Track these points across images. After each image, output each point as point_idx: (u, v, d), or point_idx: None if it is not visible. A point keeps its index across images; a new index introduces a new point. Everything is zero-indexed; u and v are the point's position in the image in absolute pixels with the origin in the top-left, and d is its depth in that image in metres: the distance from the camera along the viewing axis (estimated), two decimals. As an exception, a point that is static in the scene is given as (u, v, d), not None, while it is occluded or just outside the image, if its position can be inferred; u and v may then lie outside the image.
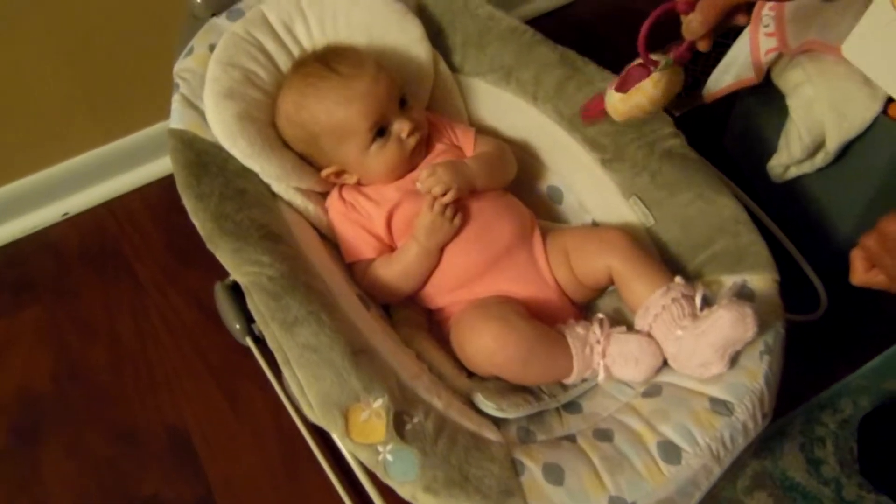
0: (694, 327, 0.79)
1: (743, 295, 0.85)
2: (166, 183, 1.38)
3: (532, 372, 0.85)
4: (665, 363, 0.84)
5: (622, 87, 0.82)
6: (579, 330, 0.86)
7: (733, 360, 0.80)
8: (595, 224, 1.02)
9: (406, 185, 0.97)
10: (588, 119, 0.94)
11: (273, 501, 1.05)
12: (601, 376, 0.85)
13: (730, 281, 0.87)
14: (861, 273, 0.73)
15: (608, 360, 0.84)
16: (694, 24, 0.76)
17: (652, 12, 0.77)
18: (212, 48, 0.98)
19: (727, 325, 0.77)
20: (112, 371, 1.19)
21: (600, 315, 0.87)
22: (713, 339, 0.78)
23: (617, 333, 0.84)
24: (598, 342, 0.84)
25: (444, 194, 0.90)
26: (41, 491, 1.08)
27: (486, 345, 0.84)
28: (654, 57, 0.80)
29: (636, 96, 0.81)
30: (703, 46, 0.79)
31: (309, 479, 1.05)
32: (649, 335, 0.84)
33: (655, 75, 0.79)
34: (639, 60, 0.82)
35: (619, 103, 0.83)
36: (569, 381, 0.86)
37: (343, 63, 0.94)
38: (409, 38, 1.04)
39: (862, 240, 0.72)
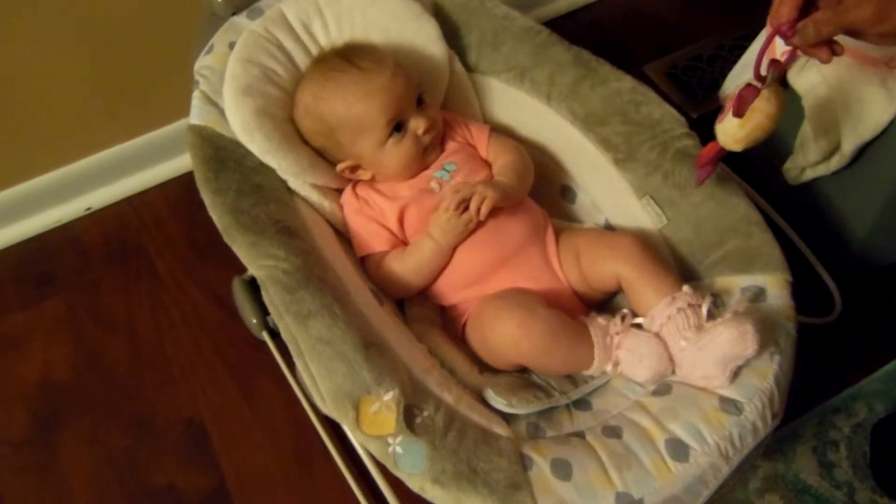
0: (696, 340, 0.80)
1: (756, 302, 0.85)
2: (187, 179, 1.40)
3: (555, 360, 0.86)
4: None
5: (739, 111, 0.80)
6: (600, 320, 0.86)
7: (736, 373, 0.79)
8: (608, 224, 1.03)
9: (419, 183, 0.98)
10: (703, 168, 0.88)
11: (285, 492, 1.06)
12: (609, 368, 0.85)
13: (741, 282, 0.87)
14: None
15: (620, 352, 0.84)
16: (808, 30, 0.75)
17: (766, 40, 0.79)
18: (231, 46, 1.00)
19: (726, 341, 0.77)
20: (130, 363, 1.21)
21: (625, 310, 0.87)
22: (713, 354, 0.78)
23: (635, 329, 0.84)
24: (618, 333, 0.85)
25: (479, 205, 0.90)
26: (59, 478, 1.10)
27: (511, 332, 0.84)
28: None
29: (755, 116, 0.79)
30: (822, 56, 0.77)
31: (321, 471, 1.06)
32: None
33: (765, 92, 0.78)
34: (744, 84, 0.80)
35: (738, 130, 0.80)
36: (590, 371, 0.86)
37: (363, 58, 0.95)
38: (424, 38, 1.05)
39: None
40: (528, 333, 0.84)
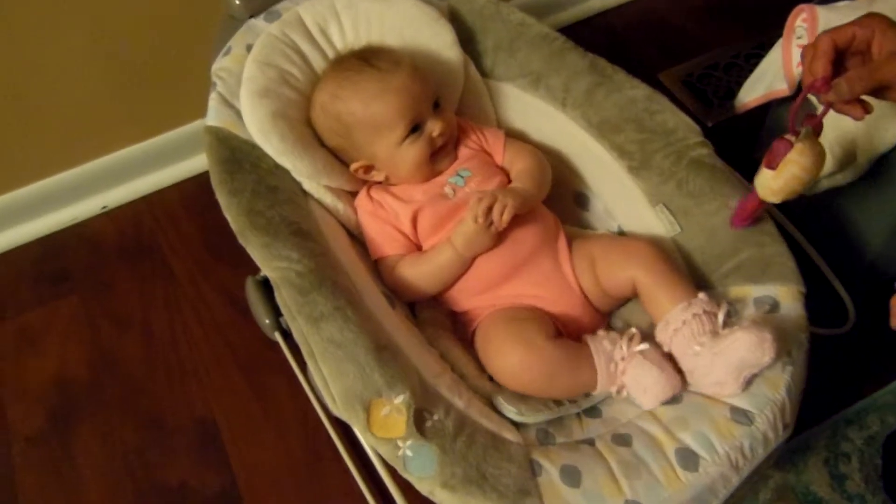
0: (712, 345, 0.80)
1: (769, 313, 0.84)
2: (202, 179, 1.39)
3: (557, 389, 0.86)
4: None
5: (771, 164, 0.82)
6: (606, 344, 0.86)
7: (749, 382, 0.79)
8: (621, 231, 1.03)
9: (433, 188, 0.98)
10: (741, 223, 0.90)
11: (295, 492, 1.07)
12: (614, 391, 0.85)
13: (754, 292, 0.87)
14: None
15: (625, 378, 0.84)
16: (842, 87, 0.76)
17: (799, 96, 0.80)
18: (249, 48, 1.01)
19: (744, 347, 0.77)
20: (144, 361, 1.22)
21: (633, 330, 0.86)
22: (729, 359, 0.78)
23: (640, 356, 0.83)
24: (623, 359, 0.84)
25: (501, 213, 0.89)
26: (73, 474, 1.11)
27: (512, 367, 0.85)
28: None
29: (789, 168, 0.81)
30: (856, 114, 0.79)
31: (331, 472, 1.07)
32: (670, 355, 0.84)
33: (799, 145, 0.80)
34: (779, 137, 0.83)
35: (771, 181, 0.83)
36: (594, 393, 0.86)
37: (381, 59, 0.96)
38: (440, 43, 1.05)
39: None
40: (529, 369, 0.84)
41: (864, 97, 0.78)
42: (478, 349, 0.92)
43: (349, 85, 0.95)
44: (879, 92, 0.77)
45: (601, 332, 0.88)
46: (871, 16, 0.77)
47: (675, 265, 0.91)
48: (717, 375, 0.79)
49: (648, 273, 0.88)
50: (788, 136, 0.81)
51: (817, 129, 0.81)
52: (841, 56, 0.78)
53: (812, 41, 0.79)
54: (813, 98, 0.89)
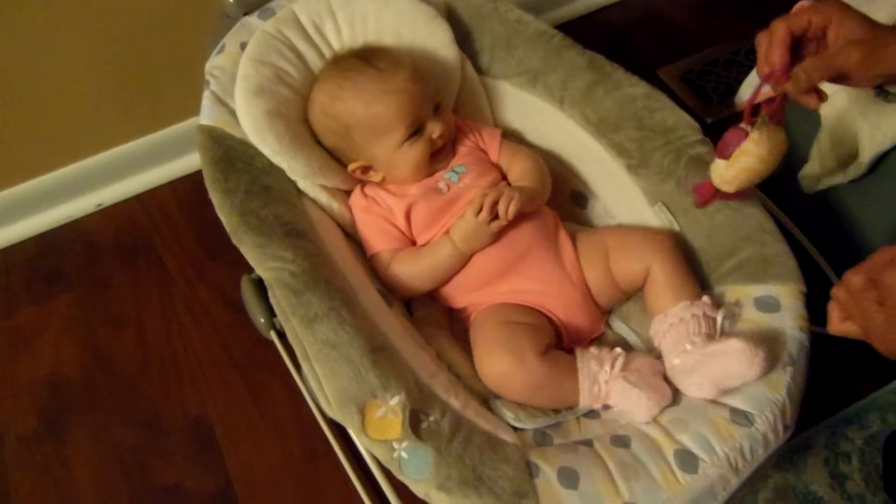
0: (703, 346, 0.80)
1: (769, 312, 0.84)
2: (198, 178, 1.39)
3: (539, 400, 0.85)
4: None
5: (723, 154, 0.81)
6: (593, 365, 0.84)
7: (726, 392, 0.79)
8: (621, 229, 1.02)
9: (427, 183, 0.97)
10: (703, 204, 0.90)
11: (291, 493, 1.06)
12: (599, 407, 0.85)
13: (755, 291, 0.86)
14: (836, 323, 0.72)
15: (610, 400, 0.84)
16: (800, 77, 0.76)
17: (756, 87, 0.79)
18: (243, 46, 0.99)
19: (734, 357, 0.77)
20: (138, 361, 1.22)
21: (618, 350, 0.85)
22: (715, 365, 0.78)
23: (622, 380, 0.82)
24: (607, 381, 0.83)
25: (507, 206, 0.88)
26: (66, 475, 1.11)
27: (497, 376, 0.85)
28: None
29: (742, 159, 0.80)
30: (812, 104, 0.78)
31: (327, 473, 1.06)
32: (658, 354, 0.84)
33: (754, 134, 0.79)
34: (733, 126, 0.82)
35: (725, 171, 0.82)
36: (577, 408, 0.86)
37: (382, 60, 0.95)
38: (437, 41, 1.04)
39: (833, 290, 0.71)
40: (513, 382, 0.84)
41: (821, 86, 0.77)
42: (471, 344, 0.92)
43: (350, 85, 0.94)
44: (837, 79, 0.76)
45: (593, 350, 0.87)
46: (827, 1, 0.76)
47: (686, 262, 0.90)
48: (700, 376, 0.79)
49: (664, 265, 0.88)
50: (743, 125, 0.80)
51: (776, 116, 0.80)
52: (797, 42, 0.77)
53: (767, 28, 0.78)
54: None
